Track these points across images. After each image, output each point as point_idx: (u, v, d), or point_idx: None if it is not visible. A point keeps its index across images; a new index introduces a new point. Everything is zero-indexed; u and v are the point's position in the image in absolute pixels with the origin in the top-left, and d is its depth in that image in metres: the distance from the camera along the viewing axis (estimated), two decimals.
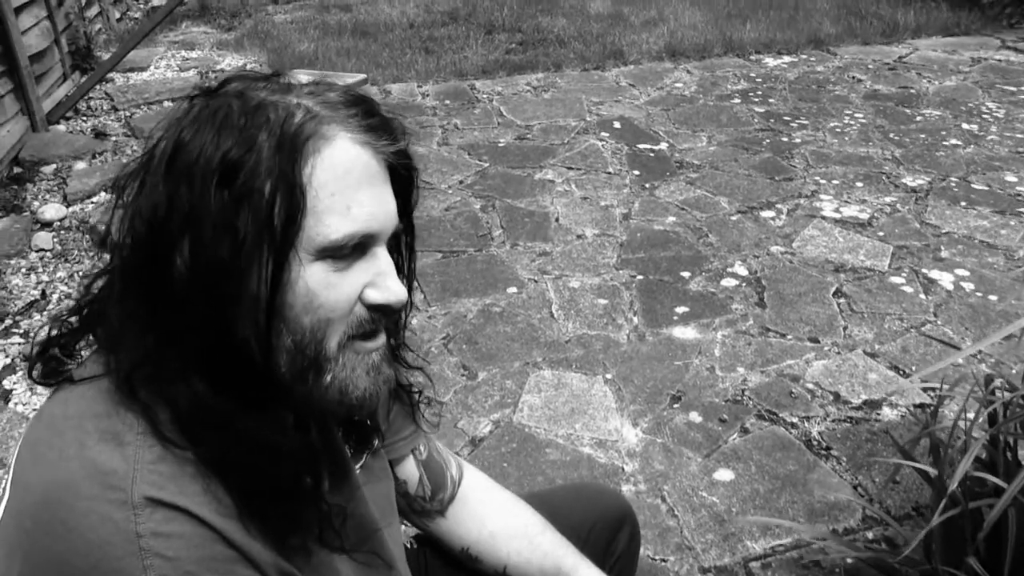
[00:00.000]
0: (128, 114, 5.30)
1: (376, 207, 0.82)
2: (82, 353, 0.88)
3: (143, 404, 0.77)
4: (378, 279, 0.84)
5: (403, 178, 0.90)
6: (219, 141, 0.77)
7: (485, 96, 5.46)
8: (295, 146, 0.78)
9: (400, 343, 1.05)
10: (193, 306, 0.77)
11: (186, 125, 0.80)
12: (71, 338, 0.88)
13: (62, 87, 5.43)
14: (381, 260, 0.84)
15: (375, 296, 0.84)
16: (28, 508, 0.76)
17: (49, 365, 0.87)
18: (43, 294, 3.37)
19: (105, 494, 0.73)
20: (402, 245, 0.96)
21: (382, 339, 0.88)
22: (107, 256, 0.84)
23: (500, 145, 4.68)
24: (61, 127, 5.08)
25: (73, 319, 0.88)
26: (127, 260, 0.81)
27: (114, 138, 4.90)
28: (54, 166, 4.52)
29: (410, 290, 1.00)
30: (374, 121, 0.84)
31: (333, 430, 1.00)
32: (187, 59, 6.46)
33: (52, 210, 3.98)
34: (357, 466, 1.05)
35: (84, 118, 5.27)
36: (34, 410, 2.63)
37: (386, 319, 0.87)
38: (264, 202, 0.76)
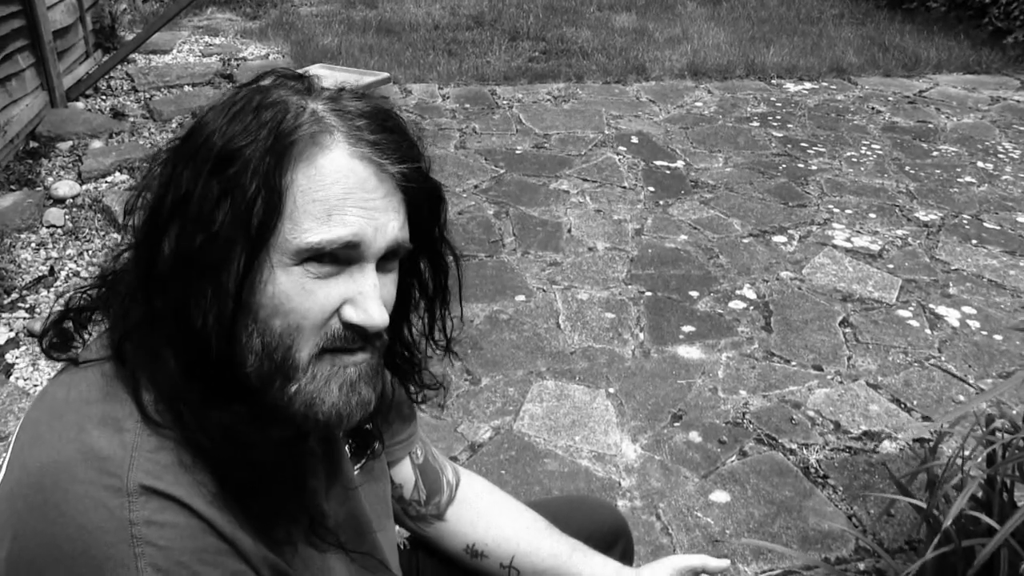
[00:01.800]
0: (148, 96, 5.32)
1: (363, 219, 0.80)
2: (91, 333, 0.89)
3: (132, 380, 0.79)
4: (359, 298, 0.82)
5: (420, 201, 0.88)
6: (227, 129, 0.78)
7: (505, 102, 5.48)
8: (285, 149, 0.77)
9: (411, 354, 1.05)
10: (169, 290, 0.78)
11: (211, 110, 0.82)
12: (86, 310, 0.89)
13: (83, 64, 5.47)
14: (367, 279, 0.82)
15: (351, 315, 0.81)
16: (22, 489, 0.76)
17: (61, 337, 0.88)
18: (51, 270, 3.38)
19: (100, 479, 0.73)
20: (423, 269, 0.96)
21: (363, 356, 0.85)
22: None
23: (517, 152, 4.70)
24: (80, 104, 5.10)
25: (92, 292, 0.89)
26: (137, 236, 0.83)
27: (132, 119, 4.93)
28: (70, 143, 4.54)
29: (441, 318, 1.01)
30: (381, 137, 0.82)
31: (334, 432, 1.01)
32: (210, 45, 6.49)
33: (66, 187, 4.00)
34: (357, 466, 1.06)
35: (103, 97, 5.30)
36: (35, 385, 2.65)
37: (366, 341, 0.84)
38: (245, 199, 0.76)
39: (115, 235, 3.63)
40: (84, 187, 4.08)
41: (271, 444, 0.81)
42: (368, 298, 0.82)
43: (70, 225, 3.75)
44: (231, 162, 0.77)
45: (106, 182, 4.14)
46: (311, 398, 0.82)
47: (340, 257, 0.80)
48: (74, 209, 3.88)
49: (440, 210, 0.93)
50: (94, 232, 3.70)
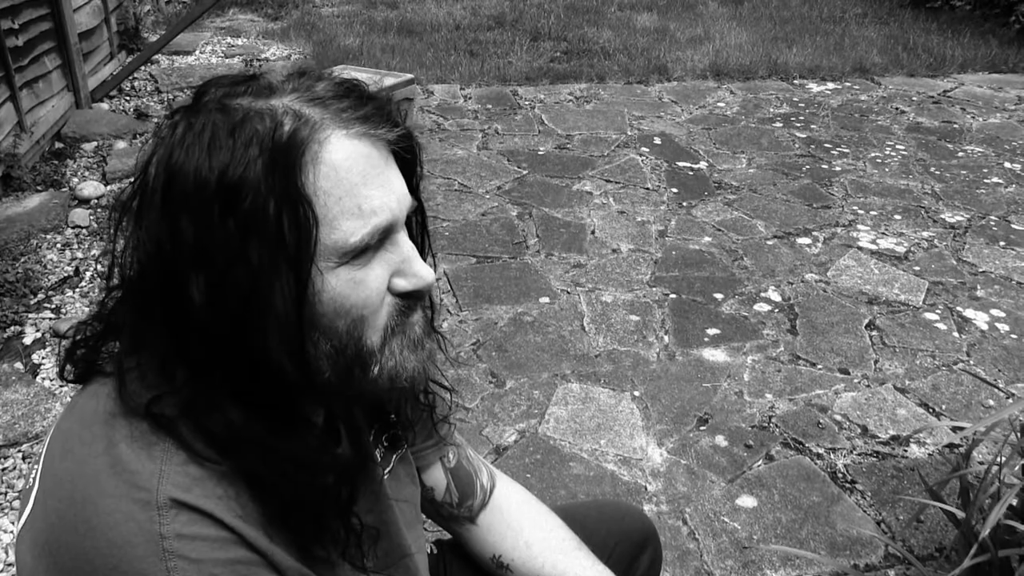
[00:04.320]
0: (171, 96, 5.36)
1: (386, 197, 0.80)
2: (107, 353, 0.86)
3: (168, 421, 0.76)
4: (404, 266, 0.83)
5: (407, 158, 0.88)
6: (211, 163, 0.73)
7: (527, 103, 5.47)
8: (290, 159, 0.74)
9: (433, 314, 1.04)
10: (219, 338, 0.75)
11: (174, 148, 0.76)
12: (96, 342, 0.86)
13: (108, 66, 5.51)
14: (403, 247, 0.83)
15: (404, 284, 0.83)
16: (55, 502, 0.76)
17: (79, 367, 0.86)
18: (76, 271, 3.41)
19: (130, 493, 0.72)
20: (414, 224, 0.94)
21: (419, 315, 0.87)
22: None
23: (540, 153, 4.69)
24: (104, 105, 5.14)
25: (97, 324, 0.86)
26: (137, 291, 0.79)
27: (155, 119, 4.95)
28: (95, 144, 4.57)
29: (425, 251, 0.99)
30: (368, 110, 0.81)
31: (364, 434, 1.01)
32: (232, 46, 6.53)
33: (90, 187, 4.03)
34: (386, 471, 1.05)
35: (127, 98, 5.33)
36: (61, 386, 2.67)
37: (421, 300, 0.87)
38: (271, 224, 0.73)
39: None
40: (108, 188, 4.11)
41: (339, 465, 0.83)
42: (412, 261, 0.83)
43: (95, 226, 3.77)
44: (237, 195, 0.73)
45: (130, 182, 4.16)
46: (394, 372, 0.84)
47: (379, 239, 0.81)
48: (99, 210, 3.91)
49: (420, 165, 0.93)
50: (119, 233, 3.72)
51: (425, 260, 0.94)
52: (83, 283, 3.33)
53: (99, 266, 3.44)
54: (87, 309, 3.14)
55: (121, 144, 4.58)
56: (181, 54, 6.18)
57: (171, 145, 0.76)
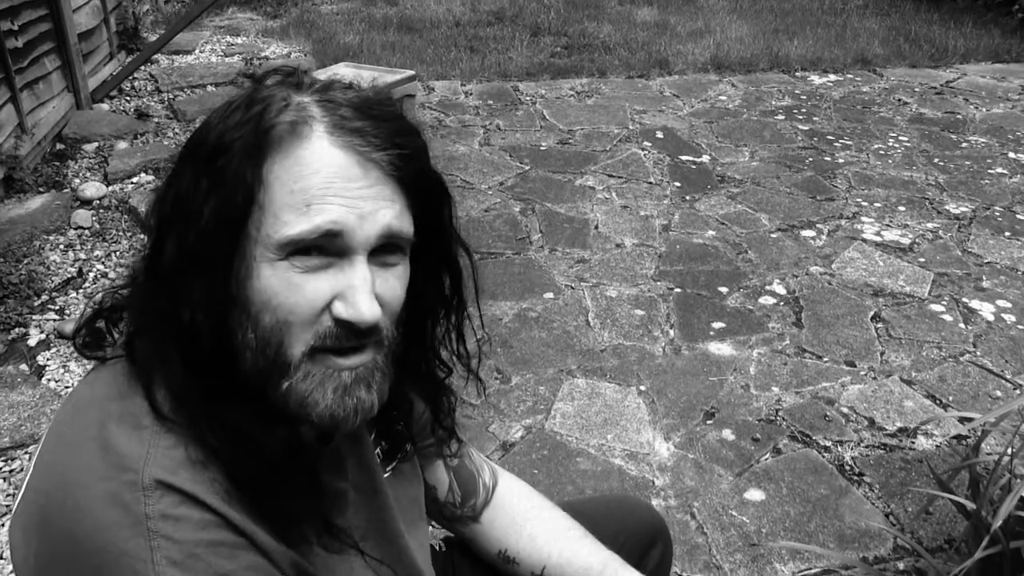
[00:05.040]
0: (171, 96, 5.35)
1: (345, 210, 0.78)
2: (122, 332, 0.90)
3: (145, 378, 0.79)
4: (347, 291, 0.79)
5: (421, 192, 0.85)
6: (219, 125, 0.79)
7: (528, 98, 5.46)
8: (263, 141, 0.77)
9: (429, 366, 1.04)
10: (169, 288, 0.79)
11: (215, 111, 0.83)
12: (117, 309, 0.90)
13: (107, 66, 5.50)
14: (356, 272, 0.79)
15: (340, 310, 0.79)
16: (46, 486, 0.78)
17: (93, 336, 0.89)
18: (80, 272, 3.40)
19: (118, 475, 0.74)
20: (440, 271, 0.95)
21: (360, 359, 0.82)
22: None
23: (542, 148, 4.68)
24: (105, 106, 5.13)
25: (123, 291, 0.90)
26: (152, 238, 0.84)
27: (156, 120, 4.95)
28: (96, 144, 4.57)
29: (457, 325, 1.01)
30: (365, 124, 0.80)
31: (364, 434, 1.01)
32: (232, 45, 6.52)
33: (92, 188, 4.03)
34: (388, 468, 1.05)
35: (128, 98, 5.33)
36: (67, 387, 2.67)
37: (362, 339, 0.81)
38: (226, 193, 0.77)
39: (142, 236, 3.64)
40: (110, 188, 4.10)
41: (278, 443, 0.81)
42: (357, 291, 0.79)
43: (97, 226, 3.77)
44: (220, 157, 0.78)
45: (132, 183, 4.16)
46: (303, 398, 0.80)
47: (327, 249, 0.78)
48: (101, 210, 3.90)
49: (443, 202, 0.91)
50: (121, 233, 3.71)
51: (454, 326, 0.99)
52: (87, 284, 3.33)
53: (102, 266, 3.44)
54: (91, 311, 3.13)
55: (122, 144, 4.57)
56: (181, 53, 6.18)
57: (217, 108, 0.83)
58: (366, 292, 0.79)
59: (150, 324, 0.81)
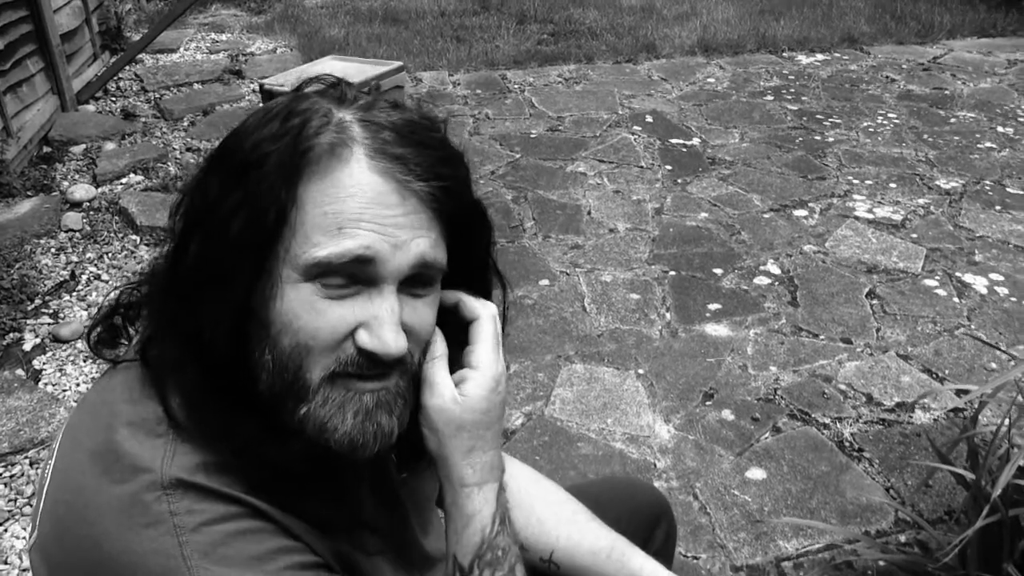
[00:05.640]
0: (157, 96, 5.32)
1: (379, 237, 0.76)
2: (138, 331, 0.89)
3: (159, 384, 0.78)
4: (373, 322, 0.77)
5: (459, 221, 0.84)
6: (254, 136, 0.77)
7: (516, 86, 5.45)
8: (300, 160, 0.75)
9: None
10: (187, 296, 0.77)
11: (252, 115, 0.80)
12: (135, 308, 0.89)
13: (92, 67, 5.46)
14: (385, 302, 0.77)
15: (364, 340, 0.77)
16: (63, 494, 0.77)
17: (109, 333, 0.88)
18: (72, 275, 3.38)
19: (136, 478, 0.73)
20: (473, 289, 0.92)
21: (382, 383, 0.80)
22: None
23: (532, 136, 4.68)
24: (90, 107, 5.10)
25: (140, 289, 0.89)
26: (174, 240, 0.82)
27: (143, 119, 4.92)
28: (83, 146, 4.54)
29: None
30: (408, 151, 0.78)
31: None
32: (217, 42, 6.48)
33: (82, 190, 4.00)
34: (403, 473, 1.05)
35: (113, 99, 5.30)
36: (64, 391, 2.67)
37: (386, 368, 0.80)
38: (258, 208, 0.74)
39: (134, 237, 3.63)
40: (100, 190, 4.08)
41: (293, 455, 0.79)
42: (383, 323, 0.77)
43: (88, 229, 3.75)
44: (254, 169, 0.75)
45: (121, 184, 4.14)
46: (322, 423, 0.78)
47: (356, 276, 0.77)
48: (91, 212, 3.88)
49: (482, 233, 0.89)
50: (112, 235, 3.69)
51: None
52: (80, 287, 3.31)
53: (94, 268, 3.43)
54: (85, 313, 3.12)
55: (110, 145, 4.55)
56: (165, 52, 6.14)
57: (254, 112, 0.81)
58: (393, 324, 0.78)
59: (166, 329, 0.80)
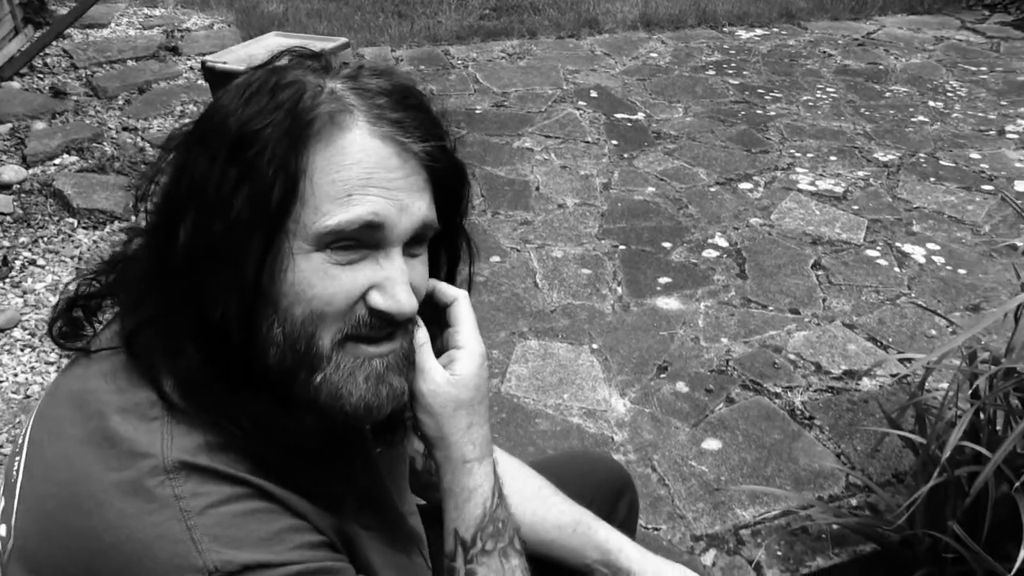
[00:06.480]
0: (89, 72, 5.13)
1: (386, 202, 0.78)
2: (100, 321, 0.87)
3: (148, 368, 0.77)
4: (386, 283, 0.79)
5: (444, 181, 0.86)
6: (242, 112, 0.76)
7: (460, 62, 5.40)
8: (304, 131, 0.75)
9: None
10: (187, 278, 0.76)
11: (227, 92, 0.79)
12: (96, 298, 0.87)
13: (13, 42, 5.24)
14: (393, 264, 0.80)
15: (377, 300, 0.79)
16: (50, 488, 0.75)
17: (70, 325, 0.86)
18: (4, 260, 3.26)
19: (135, 464, 0.72)
20: (440, 259, 0.95)
21: (390, 346, 0.83)
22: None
23: (477, 112, 4.65)
24: (15, 84, 4.90)
25: (101, 278, 0.86)
26: (151, 223, 0.81)
27: (75, 97, 4.75)
28: (10, 125, 4.36)
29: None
30: (404, 115, 0.80)
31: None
32: (150, 17, 6.28)
33: (11, 172, 3.85)
34: (378, 448, 1.04)
35: (40, 75, 5.10)
36: (1, 381, 2.57)
37: (394, 328, 0.82)
38: (263, 186, 0.74)
39: (71, 220, 3.51)
40: (31, 171, 3.93)
41: (306, 430, 0.79)
42: (396, 283, 0.79)
43: (20, 212, 3.61)
44: (248, 146, 0.75)
45: (55, 165, 3.99)
46: (336, 389, 0.79)
47: (364, 241, 0.78)
48: (23, 195, 3.73)
49: (464, 191, 0.91)
50: (47, 218, 3.57)
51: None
52: (14, 273, 3.20)
53: (29, 253, 3.31)
54: (20, 301, 3.02)
55: (40, 125, 4.38)
56: (96, 27, 5.92)
57: (227, 90, 0.79)
58: (404, 283, 0.80)
59: (158, 317, 0.78)
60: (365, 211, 0.76)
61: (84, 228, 3.49)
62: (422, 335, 0.88)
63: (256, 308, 0.77)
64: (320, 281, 0.77)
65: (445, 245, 0.94)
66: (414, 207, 0.80)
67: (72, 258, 3.28)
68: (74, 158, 4.04)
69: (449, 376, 0.88)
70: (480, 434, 0.92)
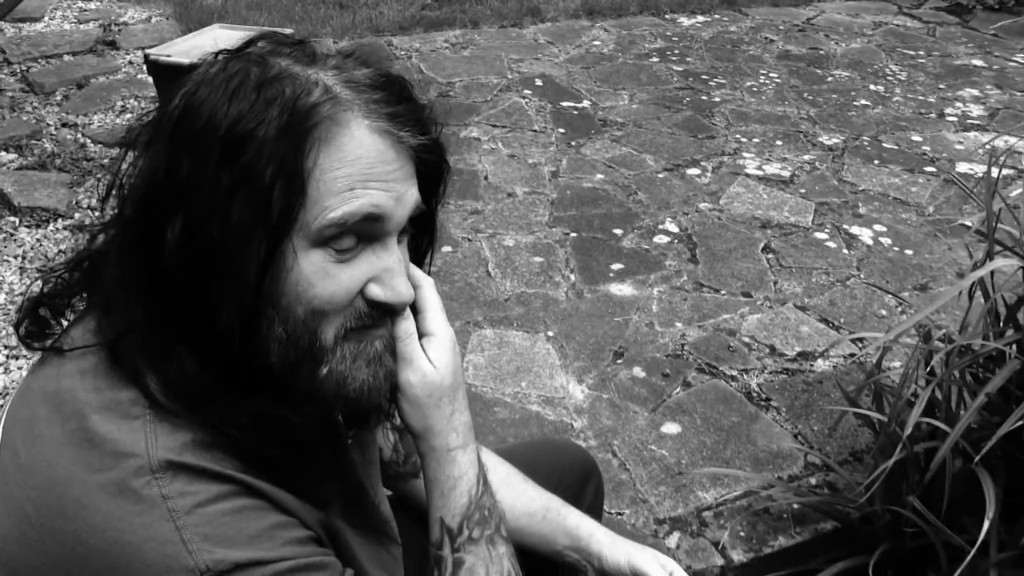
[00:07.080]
0: (24, 68, 4.96)
1: (384, 194, 0.78)
2: (68, 318, 0.84)
3: (132, 370, 0.74)
4: (384, 275, 0.80)
5: (430, 170, 0.87)
6: (228, 109, 0.73)
7: (403, 53, 5.33)
8: (303, 131, 0.74)
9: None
10: (181, 283, 0.74)
11: (201, 84, 0.76)
12: (62, 296, 0.84)
13: None
14: (391, 255, 0.81)
15: (379, 293, 0.80)
16: (28, 492, 0.72)
17: (36, 325, 0.83)
18: None
19: (117, 464, 0.69)
20: (422, 232, 0.95)
21: (385, 329, 0.84)
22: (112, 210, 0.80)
23: (422, 103, 4.59)
24: None
25: (66, 276, 0.84)
26: (126, 221, 0.78)
27: (10, 93, 4.59)
28: None
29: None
30: (399, 108, 0.80)
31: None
32: (85, 10, 6.09)
33: None
34: (351, 434, 1.03)
35: None
36: None
37: (389, 315, 0.84)
38: (263, 189, 0.72)
39: (12, 218, 3.38)
40: None
41: (307, 422, 0.79)
42: (394, 274, 0.81)
43: None
44: (243, 146, 0.72)
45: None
46: (342, 377, 0.80)
47: (362, 233, 0.78)
48: None
49: (446, 175, 0.92)
50: None
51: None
52: None
53: None
54: None
55: None
56: (28, 21, 5.72)
57: (199, 82, 0.76)
58: (402, 274, 0.82)
59: (147, 321, 0.75)
60: (367, 203, 0.76)
61: (27, 227, 3.37)
62: (410, 326, 0.87)
63: (257, 309, 0.75)
64: (320, 281, 0.76)
65: (421, 229, 0.93)
66: (407, 196, 0.81)
67: (15, 257, 3.17)
68: (13, 155, 3.90)
69: (430, 366, 0.88)
70: (462, 421, 0.91)
